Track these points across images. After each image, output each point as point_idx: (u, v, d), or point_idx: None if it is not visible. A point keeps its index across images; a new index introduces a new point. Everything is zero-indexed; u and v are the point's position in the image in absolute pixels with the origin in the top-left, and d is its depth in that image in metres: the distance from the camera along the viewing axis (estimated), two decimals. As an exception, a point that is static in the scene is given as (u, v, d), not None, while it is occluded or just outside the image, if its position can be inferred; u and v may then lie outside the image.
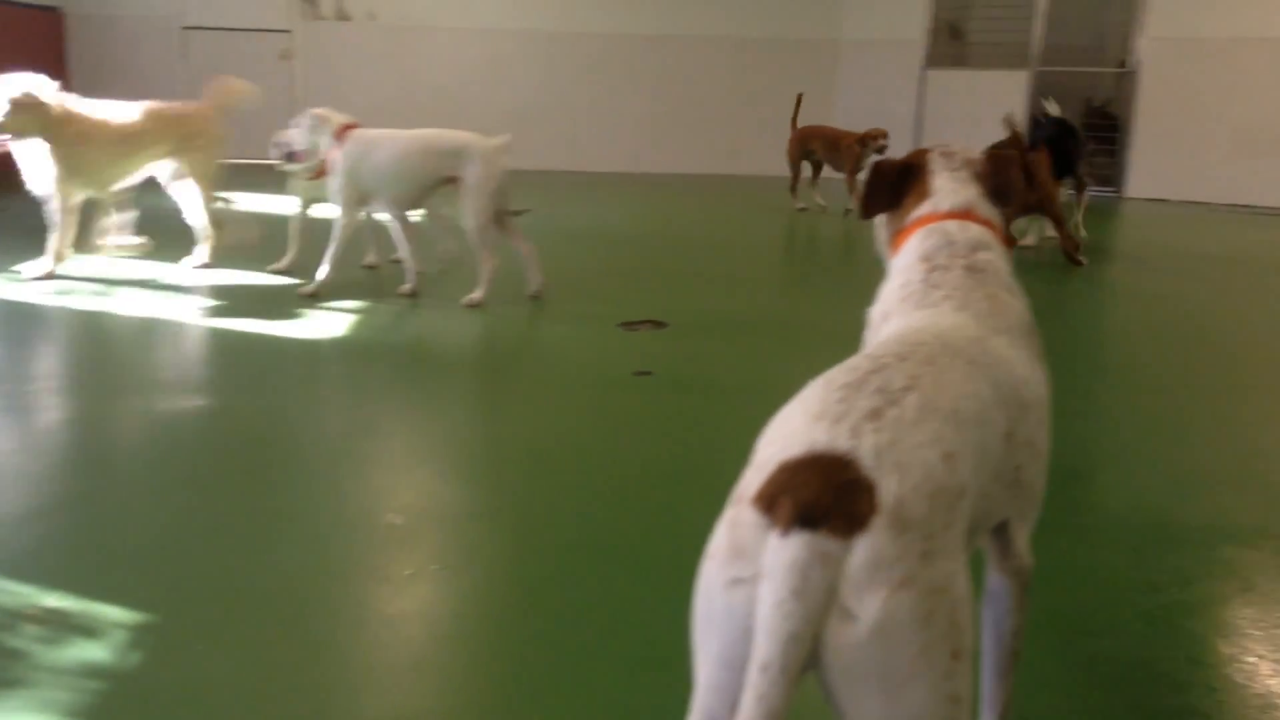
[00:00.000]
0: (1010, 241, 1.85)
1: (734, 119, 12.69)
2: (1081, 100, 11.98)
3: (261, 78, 12.12)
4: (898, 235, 1.79)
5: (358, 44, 12.15)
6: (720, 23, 12.66)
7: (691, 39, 12.67)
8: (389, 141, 5.21)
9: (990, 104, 11.90)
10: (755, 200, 10.40)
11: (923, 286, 1.61)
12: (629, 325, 4.97)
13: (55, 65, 11.70)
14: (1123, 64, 11.61)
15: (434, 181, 5.27)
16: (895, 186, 1.84)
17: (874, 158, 5.45)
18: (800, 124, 9.62)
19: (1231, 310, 5.94)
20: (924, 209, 1.77)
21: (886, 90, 12.53)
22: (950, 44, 12.57)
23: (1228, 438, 3.61)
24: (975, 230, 1.72)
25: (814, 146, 9.51)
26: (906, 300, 1.61)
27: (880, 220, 1.90)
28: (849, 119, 12.78)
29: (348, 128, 5.26)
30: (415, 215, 5.61)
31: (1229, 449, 3.47)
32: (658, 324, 5.02)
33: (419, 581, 2.37)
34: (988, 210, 1.78)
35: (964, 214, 1.75)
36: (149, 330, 4.63)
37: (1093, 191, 11.61)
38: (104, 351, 4.32)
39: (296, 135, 5.40)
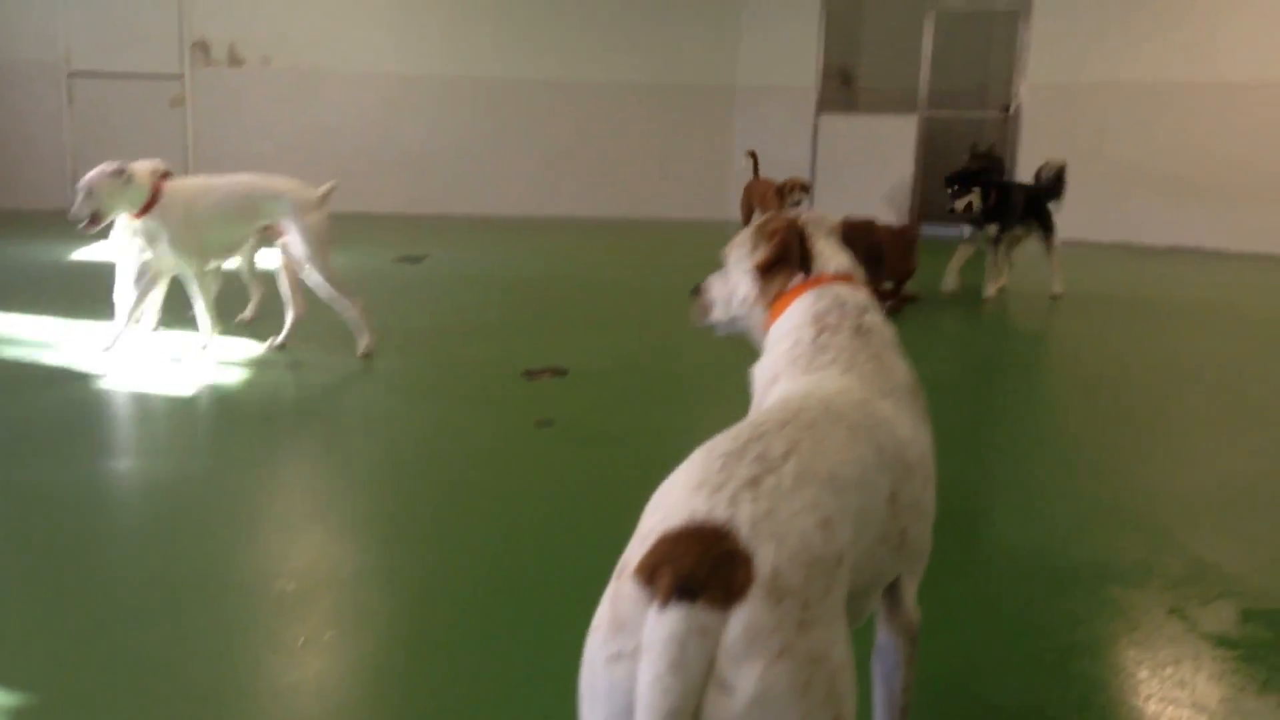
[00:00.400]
0: (883, 296, 1.90)
1: (631, 163, 12.80)
2: (967, 144, 12.35)
3: (152, 125, 11.96)
4: (779, 299, 1.82)
5: (251, 90, 11.98)
6: (615, 68, 12.80)
7: (588, 84, 12.78)
8: (205, 191, 4.99)
9: (882, 148, 12.24)
10: (655, 244, 10.49)
11: (811, 348, 1.64)
12: (530, 374, 4.96)
13: (-68, 112, 11.33)
14: (1006, 108, 12.02)
15: (249, 230, 5.10)
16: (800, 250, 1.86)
17: (792, 210, 5.55)
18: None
19: (1117, 348, 6.15)
20: (809, 273, 1.81)
21: (782, 135, 12.78)
22: (841, 90, 12.89)
23: (1118, 476, 3.73)
24: (862, 294, 1.77)
25: (754, 200, 9.35)
26: (795, 363, 1.64)
27: (736, 291, 1.91)
28: (746, 162, 13.01)
29: (163, 178, 4.96)
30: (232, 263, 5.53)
31: (1118, 488, 3.58)
32: (559, 371, 5.01)
33: (312, 650, 2.31)
34: (861, 275, 1.83)
35: (847, 278, 1.79)
36: (20, 385, 4.47)
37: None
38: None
39: (84, 197, 4.80)
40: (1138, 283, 8.76)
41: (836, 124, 12.53)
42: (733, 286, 1.91)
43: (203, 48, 11.91)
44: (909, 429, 1.54)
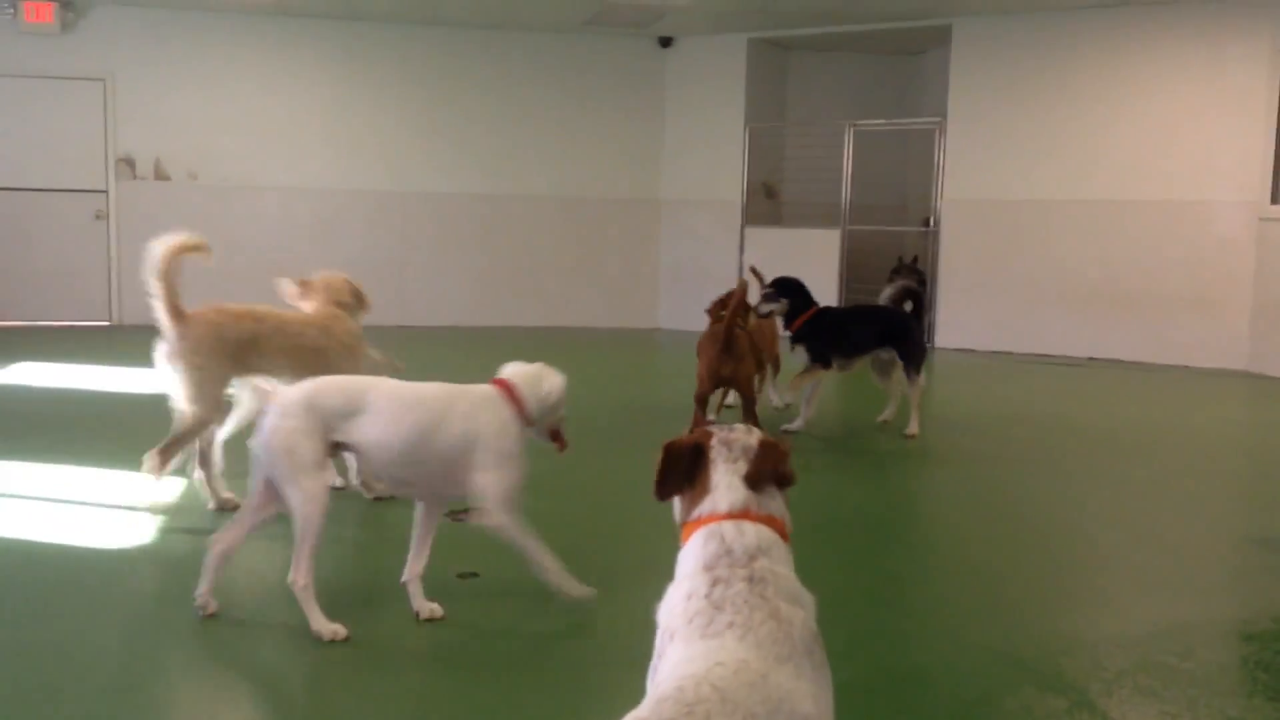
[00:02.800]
0: (784, 531, 1.84)
1: (560, 273, 12.91)
2: (889, 256, 12.65)
3: (75, 238, 11.82)
4: (685, 527, 1.80)
5: (178, 204, 11.91)
6: (543, 183, 12.98)
7: (517, 197, 12.93)
8: None
9: (807, 259, 12.46)
10: (584, 352, 10.53)
11: (707, 605, 1.61)
12: (454, 515, 4.89)
13: None
14: (927, 222, 12.36)
15: None
16: (688, 470, 1.85)
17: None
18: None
19: (1018, 474, 6.24)
20: (704, 507, 1.78)
21: (708, 246, 13.00)
22: (766, 203, 13.17)
23: (1034, 626, 3.75)
24: (751, 534, 1.73)
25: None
26: (693, 622, 1.61)
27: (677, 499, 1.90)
28: (675, 273, 13.18)
29: None
30: None
31: (1037, 640, 3.60)
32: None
33: None
34: (765, 502, 1.80)
35: (742, 514, 1.76)
36: None
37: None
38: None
39: None
40: (1050, 396, 8.95)
41: (762, 236, 12.77)
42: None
43: (128, 164, 11.85)
44: (809, 702, 1.53)
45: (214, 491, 4.87)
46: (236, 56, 12.07)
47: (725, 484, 1.78)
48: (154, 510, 4.75)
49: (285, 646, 3.44)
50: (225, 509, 4.79)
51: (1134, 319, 10.93)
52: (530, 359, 3.78)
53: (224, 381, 4.77)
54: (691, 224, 13.16)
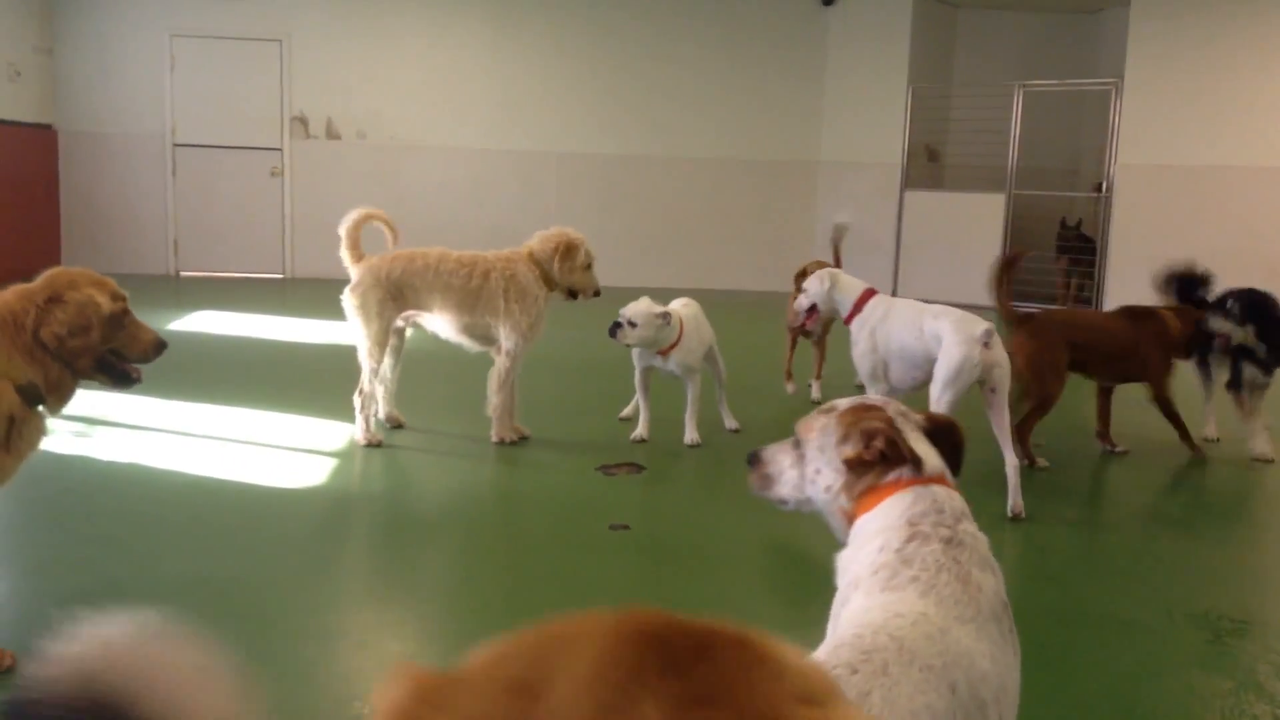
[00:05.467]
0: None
1: (717, 235, 12.88)
2: (1055, 220, 12.22)
3: (252, 193, 12.38)
4: (870, 492, 1.76)
5: (347, 162, 12.35)
6: (700, 144, 12.94)
7: (674, 159, 12.93)
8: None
9: (968, 225, 12.14)
10: (740, 316, 10.50)
11: (895, 559, 1.59)
12: (607, 469, 4.98)
13: (48, 182, 11.86)
14: (1099, 188, 11.86)
15: None
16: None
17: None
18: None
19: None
20: (904, 470, 1.75)
21: (866, 210, 12.77)
22: (928, 166, 12.84)
23: (1207, 605, 3.62)
24: (960, 498, 1.71)
25: None
26: (876, 574, 1.60)
27: (817, 478, 1.85)
28: (830, 239, 12.99)
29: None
30: None
31: (1206, 620, 3.48)
32: (637, 467, 5.03)
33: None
34: (948, 475, 1.77)
35: (940, 479, 1.74)
36: (118, 479, 4.61)
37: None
38: (71, 502, 4.29)
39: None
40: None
41: (922, 200, 12.48)
42: (811, 471, 1.84)
43: (301, 122, 12.32)
44: (987, 660, 1.49)
45: (372, 416, 5.29)
46: (405, 19, 12.38)
47: (925, 450, 1.76)
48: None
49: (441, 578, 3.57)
50: (391, 424, 5.50)
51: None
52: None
53: (381, 317, 5.18)
54: (850, 187, 12.93)
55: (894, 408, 1.82)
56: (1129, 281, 11.37)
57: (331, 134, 12.39)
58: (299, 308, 9.88)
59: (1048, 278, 12.13)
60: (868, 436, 1.75)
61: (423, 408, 5.79)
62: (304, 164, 12.34)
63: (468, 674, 0.76)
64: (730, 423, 5.80)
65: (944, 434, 1.81)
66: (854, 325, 4.87)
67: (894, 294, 12.24)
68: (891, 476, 1.73)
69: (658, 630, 0.72)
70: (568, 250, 5.49)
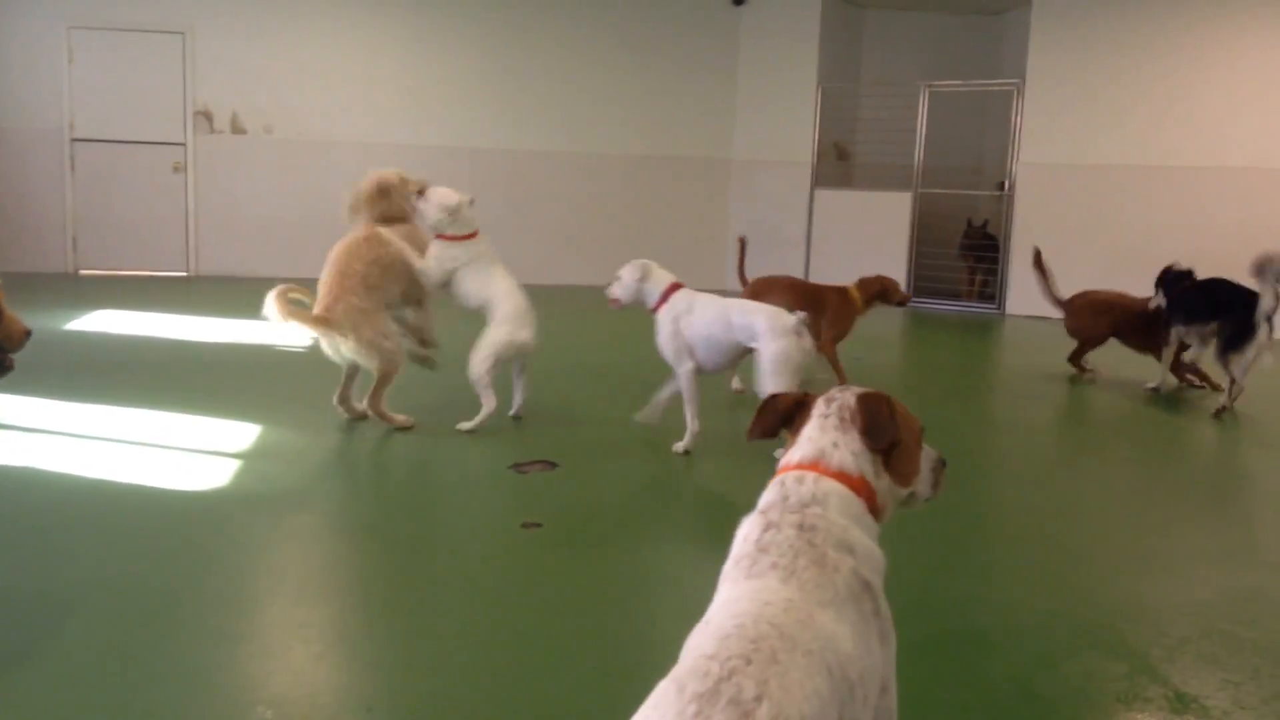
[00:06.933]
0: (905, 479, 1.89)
1: (629, 232, 12.91)
2: (961, 220, 12.48)
3: (153, 189, 12.08)
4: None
5: (253, 157, 12.12)
6: (613, 140, 12.96)
7: (586, 155, 12.93)
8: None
9: (877, 222, 12.36)
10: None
11: (754, 548, 1.66)
12: (520, 466, 4.97)
13: (-65, 177, 11.43)
14: (1001, 186, 12.14)
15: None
16: (784, 421, 1.90)
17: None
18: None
19: (1106, 443, 6.16)
20: (787, 457, 1.84)
21: (778, 208, 12.92)
22: (837, 164, 13.03)
23: (1097, 592, 3.72)
24: (810, 483, 1.77)
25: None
26: (739, 563, 1.67)
27: None
28: (742, 233, 13.08)
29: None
30: None
31: (1099, 607, 3.58)
32: (549, 464, 5.02)
33: (287, 791, 2.30)
34: (844, 458, 1.82)
35: (812, 465, 1.80)
36: (12, 483, 4.47)
37: (974, 307, 12.05)
38: (-30, 507, 4.15)
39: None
40: (1124, 364, 8.79)
41: (832, 199, 12.66)
42: None
43: (206, 117, 12.05)
44: (850, 643, 1.55)
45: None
46: (313, 10, 12.18)
47: (805, 437, 1.83)
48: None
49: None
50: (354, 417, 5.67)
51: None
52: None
53: None
54: (761, 185, 13.07)
55: (830, 395, 1.89)
56: (1032, 277, 11.68)
57: (237, 128, 12.14)
58: (203, 306, 9.66)
59: (953, 274, 12.40)
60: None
61: (323, 410, 5.70)
62: (208, 159, 12.07)
63: None
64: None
65: (866, 411, 1.85)
66: (660, 314, 5.40)
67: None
68: (779, 465, 1.82)
69: None
70: (382, 193, 5.75)
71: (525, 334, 5.61)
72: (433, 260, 5.65)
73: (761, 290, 7.01)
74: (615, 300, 5.62)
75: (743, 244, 7.68)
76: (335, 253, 5.53)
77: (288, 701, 2.69)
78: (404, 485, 4.81)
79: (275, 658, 2.99)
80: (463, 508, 4.45)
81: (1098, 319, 7.92)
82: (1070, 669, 3.05)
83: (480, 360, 5.51)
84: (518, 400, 5.92)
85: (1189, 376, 7.69)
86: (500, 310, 5.63)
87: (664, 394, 5.53)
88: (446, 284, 5.71)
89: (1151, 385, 7.54)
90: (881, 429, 1.83)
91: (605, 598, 3.49)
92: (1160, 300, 7.46)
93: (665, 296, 5.47)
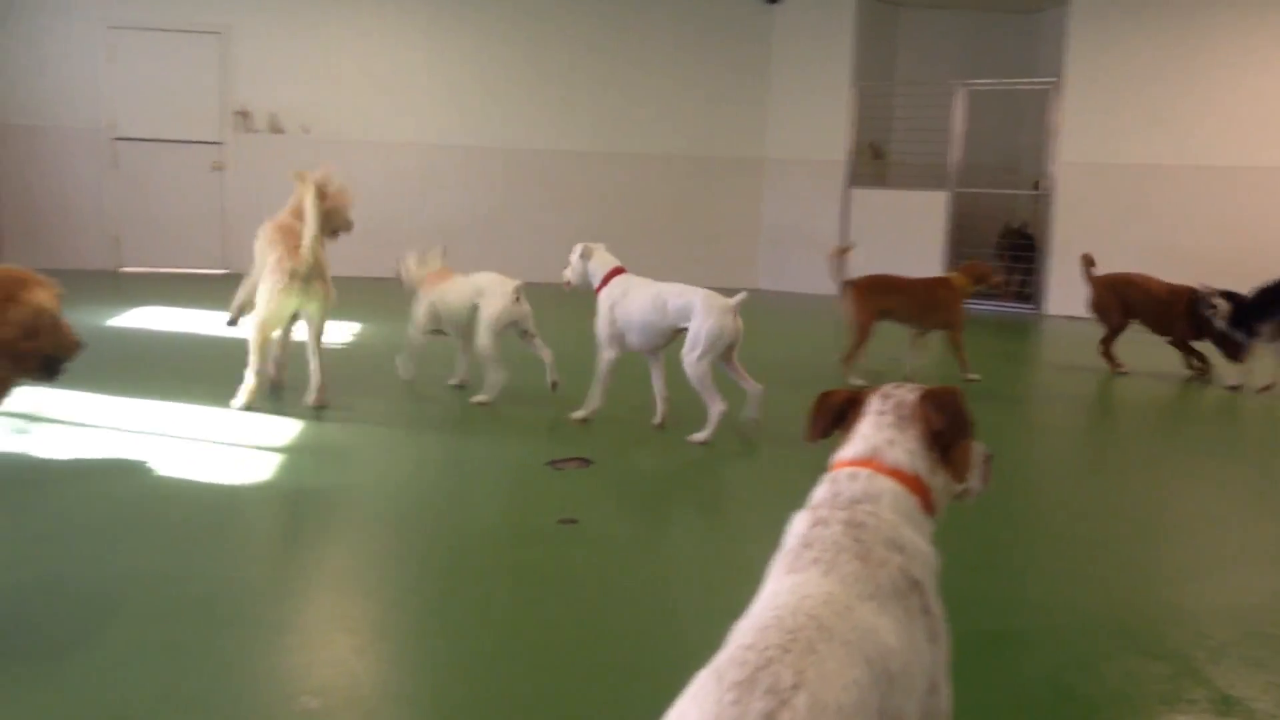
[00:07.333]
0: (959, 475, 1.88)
1: (661, 231, 12.91)
2: (997, 219, 12.40)
3: (192, 188, 12.20)
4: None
5: (290, 156, 12.19)
6: (646, 140, 12.98)
7: (619, 155, 12.95)
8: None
9: (912, 222, 12.29)
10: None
11: (799, 544, 1.66)
12: (556, 463, 4.98)
13: (-20, 175, 11.61)
14: (1037, 186, 12.06)
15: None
16: (837, 419, 1.90)
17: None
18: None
19: (1139, 445, 6.10)
20: (840, 453, 1.83)
21: (811, 207, 12.88)
22: (872, 164, 12.98)
23: (1138, 596, 3.70)
24: (863, 480, 1.76)
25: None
26: (784, 557, 1.68)
27: None
28: (775, 234, 13.09)
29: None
30: None
31: (1139, 610, 3.55)
32: (585, 461, 5.03)
33: (332, 780, 2.33)
34: (899, 455, 1.82)
35: (866, 461, 1.79)
36: (69, 473, 4.54)
37: (1012, 308, 11.96)
38: (25, 500, 4.22)
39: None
40: (1167, 365, 8.71)
41: (867, 197, 12.61)
42: None
43: (244, 116, 12.17)
44: (892, 636, 1.55)
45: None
46: (348, 11, 12.27)
47: (860, 434, 1.83)
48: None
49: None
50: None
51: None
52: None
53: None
54: (794, 184, 13.04)
55: (887, 390, 1.89)
56: (1070, 277, 11.59)
57: (275, 128, 12.25)
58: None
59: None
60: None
61: (365, 400, 5.75)
62: (246, 158, 12.19)
63: None
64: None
65: (938, 408, 1.84)
66: (600, 296, 5.66)
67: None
68: (832, 460, 1.82)
69: None
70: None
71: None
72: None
73: (868, 290, 7.16)
74: (567, 282, 5.93)
75: (843, 251, 7.61)
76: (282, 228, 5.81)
77: (331, 692, 2.72)
78: (442, 481, 4.84)
79: (318, 649, 3.02)
80: (500, 503, 4.48)
81: (1112, 296, 8.01)
82: (1111, 670, 3.03)
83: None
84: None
85: (1197, 364, 7.87)
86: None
87: (657, 384, 5.74)
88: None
89: (1232, 384, 7.47)
90: (962, 423, 1.83)
91: (642, 594, 3.50)
92: (1223, 313, 7.35)
93: (606, 280, 5.69)
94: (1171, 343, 7.93)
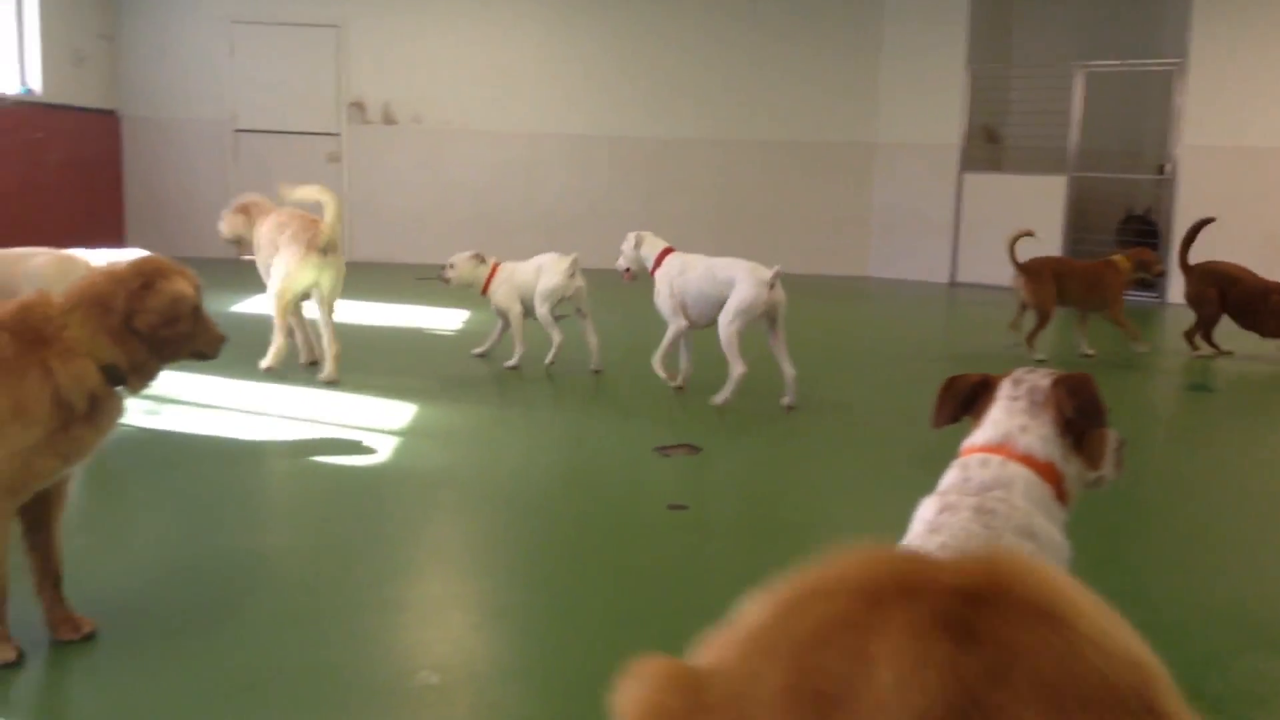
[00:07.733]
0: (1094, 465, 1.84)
1: (770, 217, 12.82)
2: (1118, 205, 12.02)
3: (310, 178, 12.49)
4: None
5: (402, 147, 12.46)
6: (754, 126, 12.88)
7: (727, 141, 12.89)
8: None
9: (1029, 208, 11.97)
10: (796, 300, 10.46)
11: (925, 530, 1.62)
12: (664, 450, 5.00)
13: (112, 166, 12.09)
14: (1161, 170, 11.65)
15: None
16: (965, 405, 1.86)
17: None
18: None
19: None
20: (971, 439, 1.79)
21: (923, 192, 12.65)
22: (986, 148, 12.69)
23: (1265, 587, 3.57)
24: (997, 467, 1.72)
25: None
26: (909, 544, 1.64)
27: None
28: (887, 219, 12.90)
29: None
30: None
31: (1266, 601, 3.43)
32: (693, 448, 5.03)
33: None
34: (1031, 442, 1.77)
35: (997, 448, 1.75)
36: (202, 453, 4.71)
37: (1134, 296, 11.60)
38: (157, 478, 4.40)
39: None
40: None
41: (981, 182, 12.34)
42: None
43: (359, 107, 12.44)
44: None
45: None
46: (460, 2, 12.44)
47: (991, 420, 1.78)
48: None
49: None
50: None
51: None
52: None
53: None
54: (906, 169, 12.82)
55: (1019, 376, 1.85)
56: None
57: (388, 119, 12.50)
58: (357, 291, 9.96)
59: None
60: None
61: (475, 389, 5.84)
62: (361, 149, 12.46)
63: (730, 670, 0.69)
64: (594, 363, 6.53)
65: (1073, 393, 1.80)
66: (657, 276, 6.03)
67: (953, 279, 12.18)
68: (963, 445, 1.78)
69: (940, 605, 0.67)
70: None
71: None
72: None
73: (1038, 270, 7.70)
74: (625, 272, 6.29)
75: (1022, 236, 7.92)
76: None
77: (448, 668, 2.78)
78: (553, 465, 4.89)
79: (436, 626, 3.09)
80: (610, 488, 4.51)
81: (1207, 288, 7.98)
82: (1237, 667, 2.94)
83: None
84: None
85: (1214, 345, 7.95)
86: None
87: (682, 359, 6.13)
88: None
89: None
90: (1097, 410, 1.78)
91: (752, 582, 3.49)
92: None
93: (659, 261, 6.05)
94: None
